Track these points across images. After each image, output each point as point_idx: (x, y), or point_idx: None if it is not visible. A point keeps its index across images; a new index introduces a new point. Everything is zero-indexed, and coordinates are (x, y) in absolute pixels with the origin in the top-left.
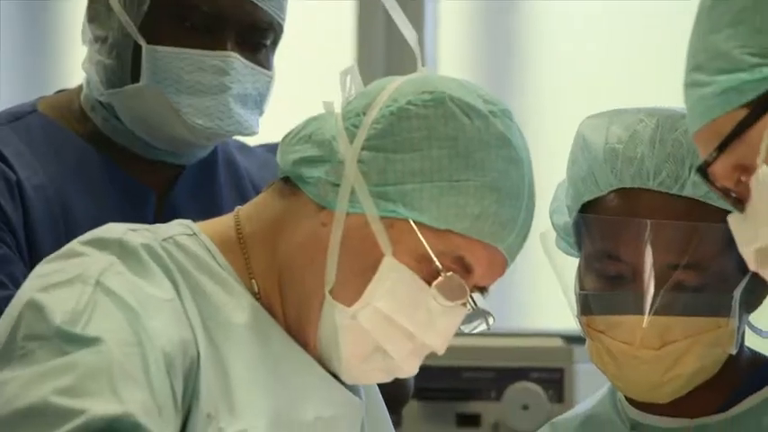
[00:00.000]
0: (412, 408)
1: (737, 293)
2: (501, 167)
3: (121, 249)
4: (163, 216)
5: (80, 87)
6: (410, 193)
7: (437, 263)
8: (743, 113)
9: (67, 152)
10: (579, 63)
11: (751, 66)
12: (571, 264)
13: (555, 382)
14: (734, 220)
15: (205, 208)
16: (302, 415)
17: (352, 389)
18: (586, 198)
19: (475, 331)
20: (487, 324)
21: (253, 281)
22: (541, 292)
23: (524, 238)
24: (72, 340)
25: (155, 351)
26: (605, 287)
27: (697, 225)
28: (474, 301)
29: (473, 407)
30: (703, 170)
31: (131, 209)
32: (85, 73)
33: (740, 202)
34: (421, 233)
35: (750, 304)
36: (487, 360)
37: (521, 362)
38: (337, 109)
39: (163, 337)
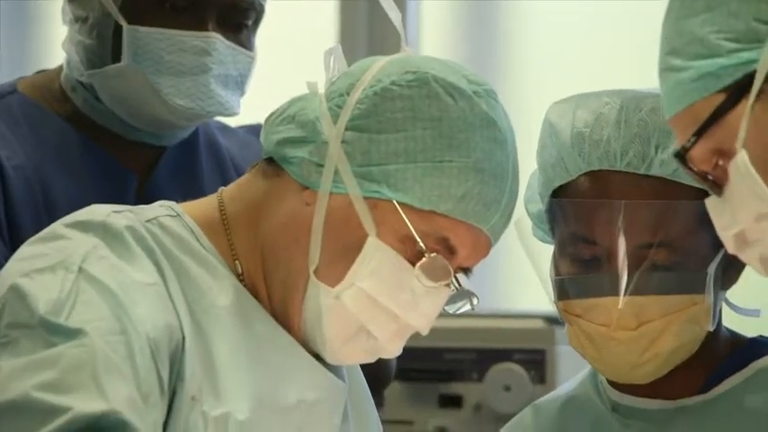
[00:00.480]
0: (394, 389)
1: (712, 270)
2: (485, 148)
3: (105, 232)
4: (144, 197)
5: (60, 68)
6: (394, 174)
7: (421, 244)
8: (720, 98)
9: (48, 133)
10: (563, 44)
11: (728, 51)
12: (547, 251)
13: (537, 364)
14: (712, 204)
15: (186, 189)
16: (285, 398)
17: (336, 370)
18: (557, 183)
19: (459, 312)
20: (472, 305)
21: (236, 262)
22: (524, 273)
23: (508, 218)
24: (55, 331)
25: (139, 338)
26: (580, 271)
27: (667, 203)
28: (458, 282)
29: (455, 388)
30: (681, 155)
31: (112, 190)
32: (66, 53)
33: (718, 186)
34: (405, 214)
35: (726, 281)
36: (470, 341)
37: (503, 343)
38: (321, 89)
39: (147, 323)
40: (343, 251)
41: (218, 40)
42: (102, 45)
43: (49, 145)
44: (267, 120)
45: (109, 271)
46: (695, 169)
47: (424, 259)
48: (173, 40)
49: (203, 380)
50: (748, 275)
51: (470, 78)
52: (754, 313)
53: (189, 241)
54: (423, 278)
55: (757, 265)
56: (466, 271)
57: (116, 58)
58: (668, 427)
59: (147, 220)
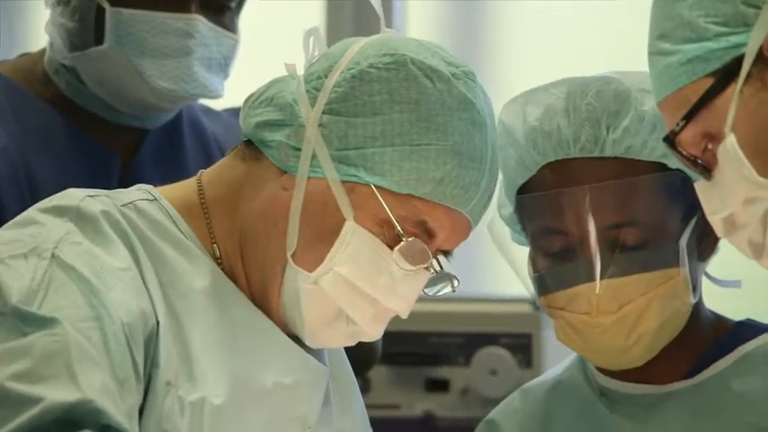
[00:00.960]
0: (381, 373)
1: (684, 242)
2: (463, 131)
3: (79, 217)
4: (127, 179)
5: (43, 51)
6: (371, 158)
7: (398, 228)
8: (709, 82)
9: (31, 115)
10: (549, 25)
11: (716, 35)
12: (524, 252)
13: (523, 348)
14: (701, 189)
15: (170, 171)
16: (262, 381)
17: (317, 353)
18: (520, 181)
19: (439, 294)
20: (453, 287)
21: (215, 246)
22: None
23: (488, 200)
24: (28, 320)
25: (113, 324)
26: (555, 263)
27: (625, 181)
28: (440, 265)
29: (442, 372)
30: (670, 139)
31: (96, 172)
32: (48, 36)
33: (707, 171)
34: (382, 198)
35: (702, 252)
36: (456, 325)
37: (489, 327)
38: (301, 71)
39: (121, 309)
40: (321, 236)
41: (200, 23)
42: (84, 27)
43: (32, 128)
44: (246, 102)
45: (82, 257)
46: (684, 153)
47: (402, 243)
48: (155, 23)
49: (178, 365)
50: (729, 248)
51: (449, 60)
52: (735, 284)
53: (165, 225)
54: (401, 262)
55: (746, 248)
56: (446, 253)
57: (99, 40)
58: (655, 411)
59: (123, 205)
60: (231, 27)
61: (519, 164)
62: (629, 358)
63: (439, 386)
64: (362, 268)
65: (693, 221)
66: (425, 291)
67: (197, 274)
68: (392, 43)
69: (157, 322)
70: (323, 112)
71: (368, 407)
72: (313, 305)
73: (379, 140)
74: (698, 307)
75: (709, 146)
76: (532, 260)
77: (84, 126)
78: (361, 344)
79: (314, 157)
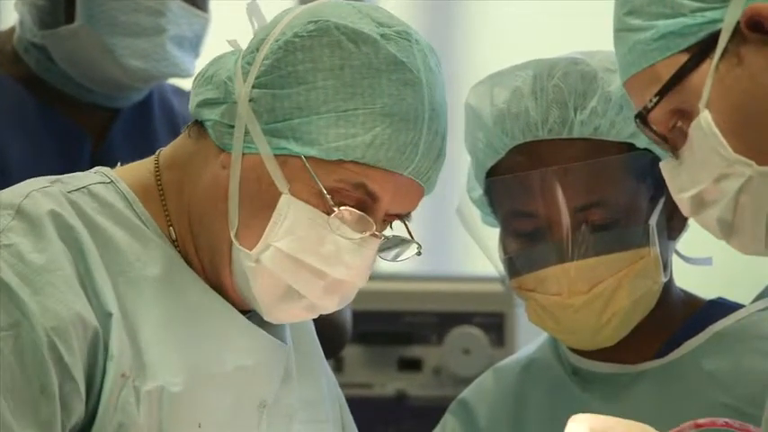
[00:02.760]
0: (354, 352)
1: (653, 221)
2: (393, 92)
3: (18, 214)
4: (98, 159)
5: (12, 29)
6: (299, 128)
7: (328, 198)
8: (683, 58)
9: (0, 94)
10: (524, 20)
11: (691, 10)
12: (494, 235)
13: (496, 327)
14: (667, 168)
15: (141, 151)
16: (221, 366)
17: (277, 328)
18: (489, 164)
19: (399, 260)
20: (418, 251)
21: (171, 228)
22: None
23: (435, 160)
24: None
25: (33, 331)
26: (525, 245)
27: (592, 162)
28: (406, 232)
29: (414, 351)
30: (642, 116)
31: (67, 152)
32: (18, 14)
33: (675, 149)
34: (314, 167)
35: (672, 230)
36: (429, 304)
37: (462, 306)
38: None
39: (47, 314)
40: (259, 212)
41: (172, 1)
42: (54, 5)
43: (2, 107)
44: (194, 81)
45: (9, 261)
46: (655, 130)
47: (336, 211)
48: (127, 1)
49: (134, 356)
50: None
51: (381, 21)
52: (706, 262)
53: (120, 209)
54: (342, 230)
55: (714, 226)
56: (401, 218)
57: (69, 18)
58: (627, 391)
59: (76, 190)
60: (202, 5)
61: (487, 146)
62: (601, 338)
63: (412, 365)
64: (302, 241)
65: (662, 200)
66: (381, 256)
67: (151, 259)
68: (320, 10)
69: (108, 316)
70: (253, 87)
71: (341, 386)
72: (260, 283)
73: (305, 110)
74: (668, 286)
75: (678, 123)
76: (503, 242)
77: (55, 105)
78: (331, 324)
79: (246, 133)
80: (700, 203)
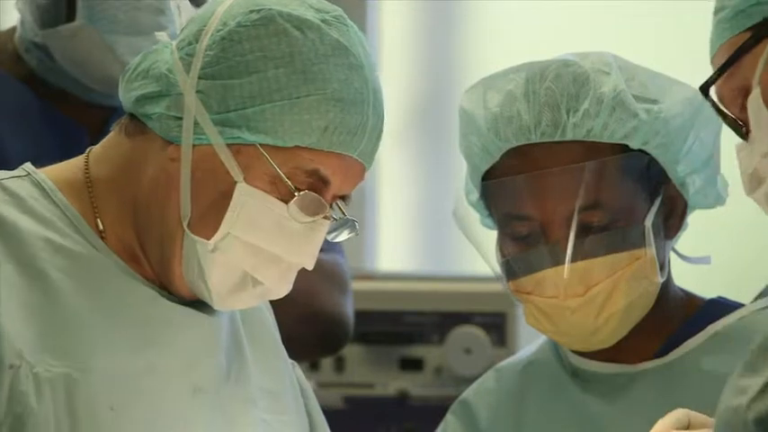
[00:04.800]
0: (355, 351)
1: (649, 222)
2: (341, 77)
3: None
4: None
5: (14, 28)
6: (253, 117)
7: (289, 183)
8: (746, 36)
9: (1, 93)
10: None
11: None
12: (491, 237)
13: (497, 327)
14: (739, 148)
15: None
16: (148, 352)
17: (215, 315)
18: (484, 168)
19: (339, 239)
20: (355, 230)
21: (98, 220)
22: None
23: (377, 141)
24: None
25: None
26: (521, 248)
27: (587, 164)
28: (342, 212)
29: (416, 351)
30: (704, 89)
31: (68, 150)
32: (19, 13)
33: (745, 129)
34: (269, 154)
35: (669, 230)
36: (430, 304)
37: (464, 306)
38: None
39: None
40: (215, 202)
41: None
42: (55, 4)
43: (3, 105)
44: (122, 77)
45: None
46: (720, 107)
47: (296, 196)
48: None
49: (36, 343)
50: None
51: (317, 7)
52: (704, 261)
53: (30, 202)
54: (298, 215)
55: (764, 203)
56: (344, 198)
57: (70, 17)
58: (627, 391)
59: None
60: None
61: (482, 150)
62: (598, 339)
63: (413, 365)
64: (260, 228)
65: (658, 201)
66: (328, 237)
67: (60, 249)
68: None
69: None
70: (198, 78)
71: (342, 385)
72: (216, 272)
73: (257, 99)
74: (667, 285)
75: (742, 102)
76: (500, 245)
77: (56, 104)
78: (329, 319)
79: (196, 124)
80: (756, 181)
